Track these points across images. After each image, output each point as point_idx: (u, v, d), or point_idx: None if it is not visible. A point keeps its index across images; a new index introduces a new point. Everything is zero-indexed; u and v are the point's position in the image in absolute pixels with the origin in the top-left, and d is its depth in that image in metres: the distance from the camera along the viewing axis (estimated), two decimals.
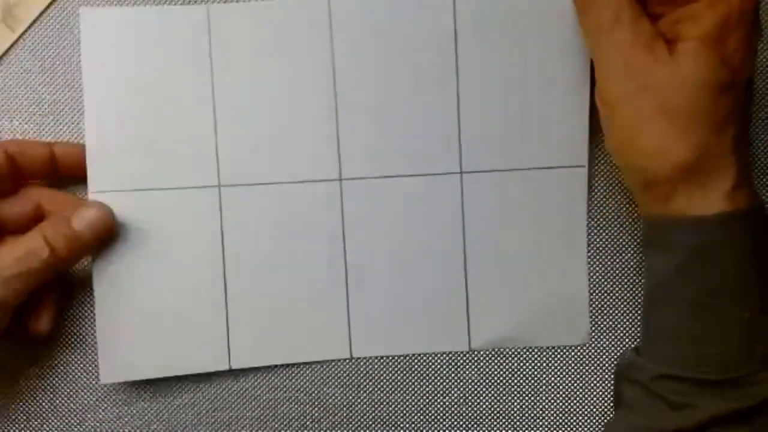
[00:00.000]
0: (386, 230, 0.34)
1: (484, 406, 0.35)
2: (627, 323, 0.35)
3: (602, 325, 0.35)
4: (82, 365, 0.36)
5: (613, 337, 0.35)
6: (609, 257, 0.35)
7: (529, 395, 0.35)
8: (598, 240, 0.35)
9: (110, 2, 0.35)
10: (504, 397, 0.35)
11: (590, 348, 0.35)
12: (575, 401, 0.36)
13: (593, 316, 0.35)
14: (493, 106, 0.34)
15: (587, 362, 0.35)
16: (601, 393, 0.35)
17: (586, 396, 0.35)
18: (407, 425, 0.35)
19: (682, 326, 0.28)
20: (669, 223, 0.28)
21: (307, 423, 0.35)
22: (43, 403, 0.36)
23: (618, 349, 0.35)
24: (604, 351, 0.35)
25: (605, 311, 0.35)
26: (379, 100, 0.34)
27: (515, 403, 0.35)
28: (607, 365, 0.35)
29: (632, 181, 0.30)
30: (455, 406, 0.35)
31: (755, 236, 0.27)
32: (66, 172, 0.34)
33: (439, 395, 0.35)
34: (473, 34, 0.33)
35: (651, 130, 0.27)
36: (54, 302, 0.33)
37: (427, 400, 0.35)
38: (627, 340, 0.35)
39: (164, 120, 0.34)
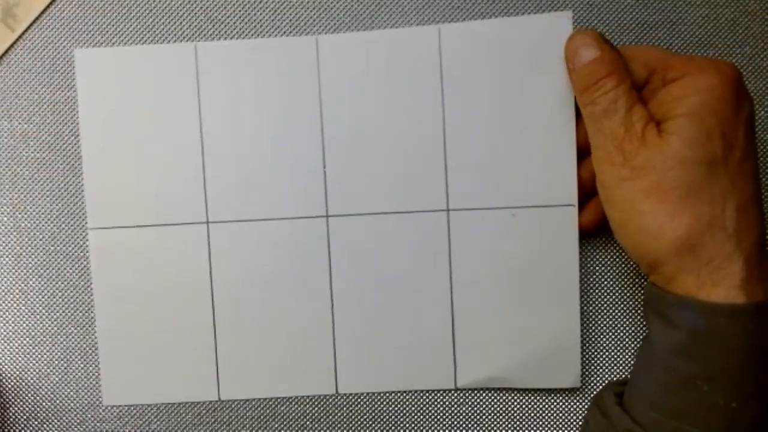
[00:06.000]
0: (373, 267, 0.34)
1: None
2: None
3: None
4: (82, 365, 0.36)
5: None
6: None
7: None
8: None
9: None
10: None
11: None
12: None
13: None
14: (480, 144, 0.33)
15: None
16: None
17: None
18: (407, 423, 0.35)
19: (668, 398, 0.28)
20: (675, 301, 0.28)
21: (307, 423, 0.35)
22: (43, 403, 0.36)
23: None
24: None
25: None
26: (366, 137, 0.34)
27: None
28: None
29: (638, 261, 0.30)
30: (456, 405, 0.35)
31: (763, 332, 0.27)
32: None
33: (439, 395, 0.36)
34: (460, 72, 0.33)
35: (646, 210, 0.28)
36: None
37: (427, 399, 0.35)
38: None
39: (155, 158, 0.34)
